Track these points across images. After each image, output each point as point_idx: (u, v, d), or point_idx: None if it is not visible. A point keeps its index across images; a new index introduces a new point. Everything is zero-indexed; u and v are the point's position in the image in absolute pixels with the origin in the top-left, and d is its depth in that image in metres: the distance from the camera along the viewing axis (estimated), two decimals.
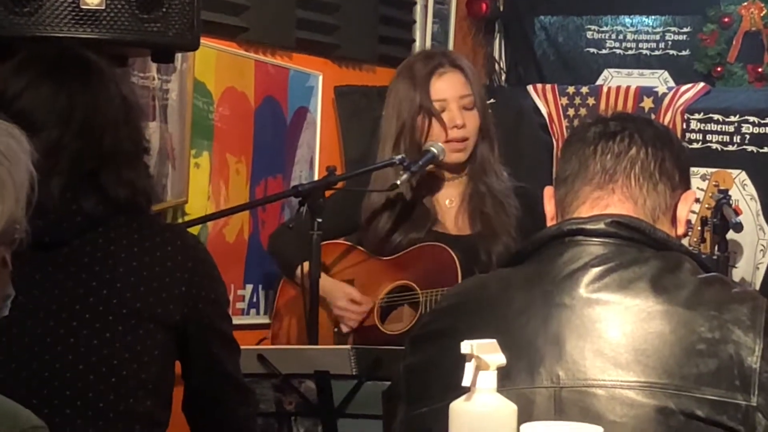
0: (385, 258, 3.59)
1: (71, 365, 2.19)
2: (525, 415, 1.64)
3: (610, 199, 1.95)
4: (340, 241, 3.68)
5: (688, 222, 2.03)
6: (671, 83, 5.04)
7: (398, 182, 3.43)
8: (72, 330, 2.21)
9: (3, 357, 2.20)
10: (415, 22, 5.10)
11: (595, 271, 1.86)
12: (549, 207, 2.04)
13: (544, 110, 4.87)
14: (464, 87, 3.54)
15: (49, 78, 2.31)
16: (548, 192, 2.04)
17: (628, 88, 4.83)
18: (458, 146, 3.52)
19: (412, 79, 3.57)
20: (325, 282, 3.47)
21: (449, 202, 3.60)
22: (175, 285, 2.28)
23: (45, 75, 2.31)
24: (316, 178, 4.33)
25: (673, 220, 1.98)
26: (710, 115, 4.61)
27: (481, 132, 3.55)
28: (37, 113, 2.26)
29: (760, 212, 4.47)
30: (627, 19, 5.33)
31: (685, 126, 4.60)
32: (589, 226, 1.90)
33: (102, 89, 2.33)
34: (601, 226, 1.90)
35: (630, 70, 5.24)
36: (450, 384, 1.65)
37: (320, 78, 4.49)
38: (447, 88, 3.54)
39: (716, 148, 4.57)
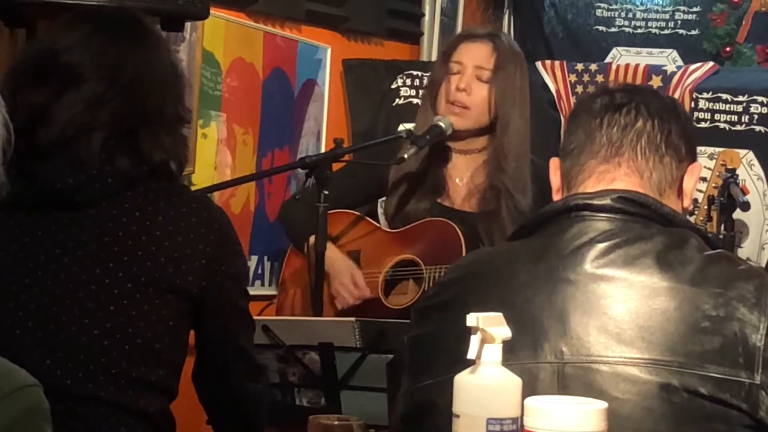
0: (391, 230, 3.60)
1: (87, 329, 2.18)
2: (529, 390, 1.63)
3: (616, 173, 1.95)
4: (349, 210, 3.69)
5: (695, 200, 2.03)
6: (680, 63, 5.00)
7: (405, 155, 3.45)
8: (90, 294, 2.20)
9: (21, 314, 2.19)
10: None
11: (600, 246, 1.86)
12: (554, 178, 2.04)
13: (552, 87, 4.84)
14: (486, 59, 3.55)
15: (102, 34, 2.29)
16: (554, 163, 2.04)
17: (636, 66, 4.81)
18: (455, 109, 3.53)
19: (447, 44, 3.67)
20: (335, 255, 3.47)
21: (459, 179, 3.60)
22: (196, 257, 2.26)
23: (98, 30, 2.30)
24: (323, 150, 4.33)
25: (679, 193, 1.98)
26: (719, 94, 4.59)
27: (495, 117, 3.53)
28: (84, 66, 2.25)
29: (767, 192, 4.46)
30: None
31: (693, 105, 4.58)
32: (595, 202, 1.90)
33: (155, 52, 2.33)
34: (607, 201, 1.90)
35: (639, 49, 5.21)
36: (455, 356, 1.64)
37: (329, 51, 4.48)
38: (468, 53, 3.57)
39: (724, 128, 4.55)
